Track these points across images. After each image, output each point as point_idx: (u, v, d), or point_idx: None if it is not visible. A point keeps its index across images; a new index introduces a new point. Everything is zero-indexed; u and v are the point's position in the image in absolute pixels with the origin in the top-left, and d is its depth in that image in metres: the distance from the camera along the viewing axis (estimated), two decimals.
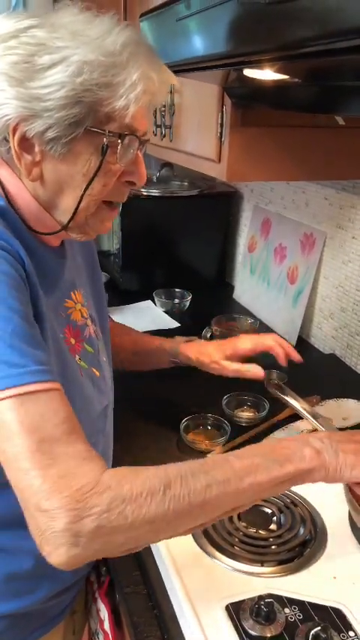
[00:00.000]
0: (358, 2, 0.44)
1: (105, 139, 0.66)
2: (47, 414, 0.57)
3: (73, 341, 0.78)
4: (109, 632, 0.90)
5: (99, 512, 0.53)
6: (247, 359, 1.05)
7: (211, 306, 1.73)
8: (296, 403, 1.00)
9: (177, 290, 1.75)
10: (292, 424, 1.10)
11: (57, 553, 0.54)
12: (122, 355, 1.08)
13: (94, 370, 0.82)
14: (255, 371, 1.02)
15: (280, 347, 1.05)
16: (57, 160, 0.67)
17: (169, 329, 1.60)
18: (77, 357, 0.78)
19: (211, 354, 1.03)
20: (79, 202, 0.70)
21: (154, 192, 1.80)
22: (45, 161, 0.67)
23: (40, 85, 0.63)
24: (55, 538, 0.53)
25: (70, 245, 0.84)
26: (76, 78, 0.62)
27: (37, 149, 0.66)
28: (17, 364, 0.57)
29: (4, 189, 0.69)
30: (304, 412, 0.98)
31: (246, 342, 1.04)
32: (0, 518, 0.73)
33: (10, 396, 0.56)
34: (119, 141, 0.67)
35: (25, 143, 0.66)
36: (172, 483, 0.57)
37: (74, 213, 0.70)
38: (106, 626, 0.91)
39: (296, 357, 1.06)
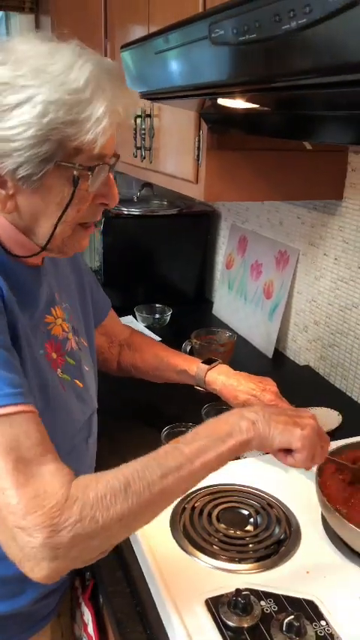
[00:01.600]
0: (313, 46, 0.50)
1: (75, 172, 0.69)
2: (22, 435, 0.61)
3: (54, 355, 0.81)
4: (92, 635, 0.93)
5: (73, 523, 0.58)
6: None
7: (190, 320, 1.79)
8: None
9: (157, 305, 1.80)
10: None
11: (39, 568, 0.58)
12: (143, 369, 1.13)
13: (77, 382, 0.86)
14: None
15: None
16: (30, 193, 0.69)
17: None
18: (59, 370, 0.82)
19: (237, 395, 1.03)
20: (55, 228, 0.72)
21: (135, 212, 1.86)
22: (19, 194, 0.70)
23: (8, 126, 0.64)
24: (35, 553, 0.57)
25: (54, 260, 0.88)
26: (43, 118, 0.64)
27: (10, 184, 0.69)
28: None
29: None
30: None
31: (271, 395, 1.04)
32: None
33: None
34: (89, 172, 0.70)
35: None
36: (130, 481, 0.62)
37: (50, 237, 0.73)
38: (90, 629, 0.94)
39: None
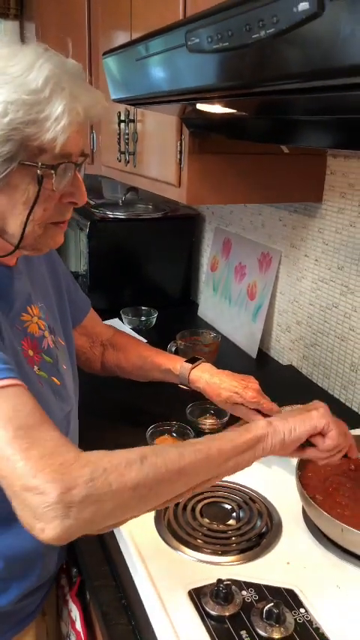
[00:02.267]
0: (281, 55, 0.52)
1: (39, 171, 0.69)
2: (18, 405, 0.62)
3: (31, 352, 0.82)
4: (80, 631, 0.94)
5: (85, 482, 0.57)
6: None
7: (176, 322, 1.81)
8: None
9: (143, 308, 1.82)
10: None
11: (51, 526, 0.56)
12: (127, 368, 1.15)
13: (54, 379, 0.86)
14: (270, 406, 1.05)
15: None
16: None
17: None
18: (36, 367, 0.83)
19: (220, 393, 1.06)
20: (24, 228, 0.73)
21: (120, 215, 1.88)
22: None
23: None
24: (48, 511, 0.56)
25: (29, 260, 0.89)
26: (3, 118, 0.65)
27: None
28: None
29: None
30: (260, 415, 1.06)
31: (254, 396, 1.05)
32: None
33: None
34: (52, 171, 0.70)
35: None
36: (147, 455, 0.63)
37: (21, 237, 0.74)
38: (78, 625, 0.95)
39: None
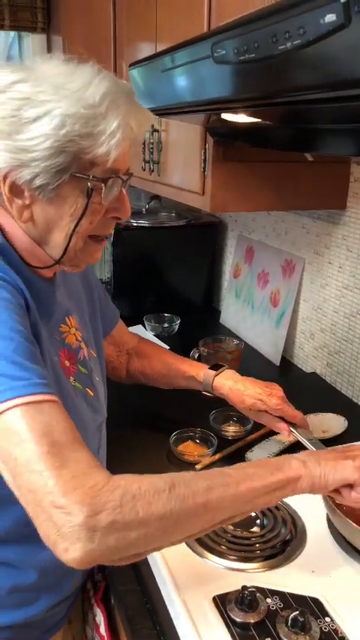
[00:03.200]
0: (314, 64, 0.53)
1: (89, 184, 0.71)
2: (52, 421, 0.61)
3: (67, 363, 0.84)
4: (104, 635, 0.94)
5: (113, 507, 0.57)
6: None
7: (198, 329, 1.81)
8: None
9: (166, 315, 1.83)
10: (274, 437, 1.17)
11: (73, 548, 0.55)
12: (152, 376, 1.16)
13: (89, 390, 0.88)
14: (281, 428, 1.06)
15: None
16: (46, 203, 0.72)
17: None
18: (72, 378, 0.84)
19: (244, 400, 1.06)
20: (69, 240, 0.75)
21: (144, 223, 1.90)
22: (35, 204, 0.73)
23: (27, 138, 0.68)
24: (73, 533, 0.55)
25: (64, 275, 0.90)
26: (60, 130, 0.67)
27: (26, 194, 0.72)
28: (21, 377, 0.62)
29: (1, 228, 0.76)
30: (286, 424, 1.06)
31: (278, 403, 1.05)
32: (6, 533, 0.77)
33: (19, 405, 0.60)
34: (102, 184, 0.72)
35: (16, 189, 0.71)
36: (175, 485, 0.62)
37: (65, 249, 0.76)
38: (102, 629, 0.95)
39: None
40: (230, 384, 1.09)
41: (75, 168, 0.71)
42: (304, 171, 1.29)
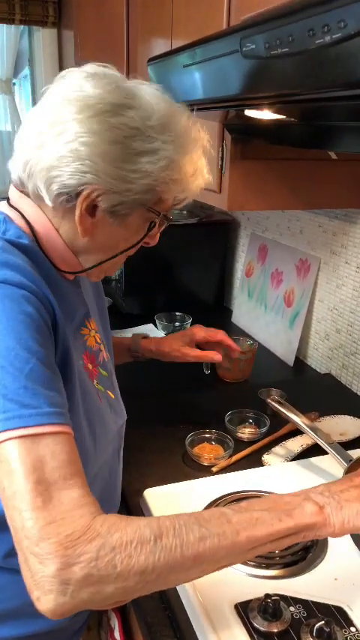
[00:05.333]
0: (345, 60, 0.51)
1: (157, 219, 0.76)
2: (48, 456, 0.58)
3: (90, 366, 0.82)
4: (118, 639, 0.93)
5: (88, 560, 0.53)
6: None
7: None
8: (297, 418, 1.06)
9: (177, 314, 1.82)
10: (290, 439, 1.15)
11: (46, 599, 0.53)
12: None
13: (110, 393, 0.87)
14: (212, 355, 1.13)
15: (229, 339, 1.17)
16: (110, 226, 0.74)
17: None
18: (95, 381, 0.83)
19: (171, 343, 1.15)
20: (109, 259, 0.78)
21: None
22: (101, 225, 0.74)
23: (131, 169, 0.69)
24: (45, 583, 0.53)
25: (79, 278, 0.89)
26: (163, 172, 0.71)
27: (99, 215, 0.72)
28: (29, 405, 0.58)
29: (31, 228, 0.74)
30: (305, 427, 1.04)
31: (200, 332, 1.16)
32: None
33: (18, 437, 0.57)
34: (165, 220, 0.77)
35: (92, 208, 0.72)
36: (163, 534, 0.56)
37: (100, 264, 0.78)
38: (117, 634, 0.94)
39: (237, 348, 1.19)
40: (157, 339, 1.16)
41: (152, 202, 0.74)
42: (323, 170, 1.26)
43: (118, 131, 0.68)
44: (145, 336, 1.19)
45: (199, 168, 0.75)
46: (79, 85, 0.70)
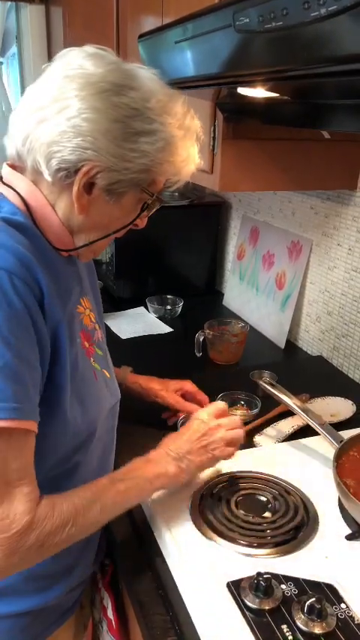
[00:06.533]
0: (341, 34, 0.50)
1: (149, 200, 0.76)
2: (10, 454, 0.65)
3: (87, 344, 0.82)
4: (112, 618, 0.94)
5: (26, 550, 0.67)
6: None
7: (201, 312, 1.80)
8: (288, 399, 1.06)
9: (169, 297, 1.81)
10: (281, 421, 1.16)
11: None
12: None
13: (106, 372, 0.87)
14: (190, 408, 1.10)
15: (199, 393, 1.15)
16: (105, 204, 0.74)
17: (162, 334, 1.66)
18: (92, 359, 0.83)
19: (166, 385, 1.13)
20: (101, 239, 0.78)
21: None
22: (97, 202, 0.74)
23: (130, 148, 0.70)
24: None
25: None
26: (159, 153, 0.72)
27: (95, 193, 0.73)
28: None
29: (26, 205, 0.73)
30: (296, 408, 1.05)
31: (192, 387, 1.15)
32: None
33: None
34: (157, 202, 0.78)
35: (89, 186, 0.72)
36: (79, 515, 0.71)
37: (91, 243, 0.78)
38: (109, 613, 0.95)
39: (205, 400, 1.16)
40: (142, 381, 1.13)
41: (147, 183, 0.75)
42: (315, 151, 1.25)
43: (119, 110, 0.69)
44: (131, 371, 1.17)
45: (191, 154, 0.77)
46: (80, 63, 0.71)
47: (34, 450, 0.68)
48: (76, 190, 0.71)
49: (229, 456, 0.90)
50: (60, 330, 0.71)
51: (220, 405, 0.95)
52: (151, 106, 0.71)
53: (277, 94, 0.86)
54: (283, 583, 0.75)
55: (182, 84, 0.94)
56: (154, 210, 0.80)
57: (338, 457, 0.92)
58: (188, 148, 0.76)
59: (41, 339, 0.68)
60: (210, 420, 0.90)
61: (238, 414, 1.18)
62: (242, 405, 1.21)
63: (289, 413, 1.14)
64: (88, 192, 0.72)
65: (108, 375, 0.87)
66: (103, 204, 0.74)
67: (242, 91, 0.89)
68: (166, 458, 0.84)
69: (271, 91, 0.85)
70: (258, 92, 0.87)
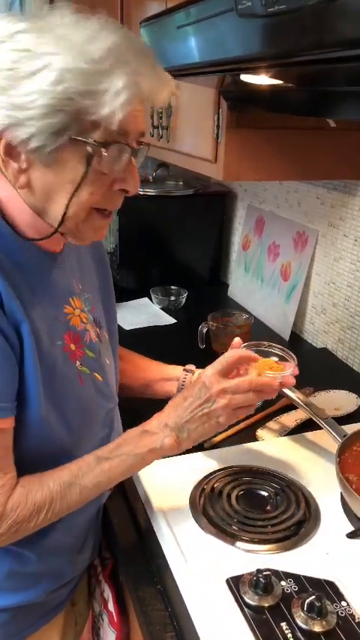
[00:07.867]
0: (347, 18, 0.48)
1: (89, 148, 0.65)
2: None
3: (73, 347, 0.78)
4: (112, 611, 0.94)
5: (1, 534, 0.70)
6: None
7: (206, 303, 1.78)
8: (291, 393, 1.05)
9: (173, 287, 1.80)
10: (284, 414, 1.14)
11: None
12: (136, 390, 1.06)
13: (97, 375, 0.83)
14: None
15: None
16: (44, 168, 0.67)
17: (166, 325, 1.65)
18: (78, 362, 0.79)
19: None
20: (67, 209, 0.69)
21: (150, 192, 1.84)
22: (32, 169, 0.67)
23: (22, 93, 0.62)
24: None
25: (77, 248, 0.85)
26: (57, 86, 0.61)
27: (23, 157, 0.66)
28: None
29: None
30: (299, 401, 1.03)
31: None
32: None
33: None
34: (104, 150, 0.66)
35: (12, 151, 0.66)
36: (54, 500, 0.72)
37: (62, 218, 0.70)
38: (110, 605, 0.95)
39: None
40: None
41: (75, 130, 0.64)
42: (321, 140, 1.23)
43: (4, 58, 0.62)
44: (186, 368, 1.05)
45: (117, 74, 0.63)
46: None
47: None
48: (2, 164, 0.67)
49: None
50: (22, 330, 0.68)
51: (229, 359, 0.83)
52: (45, 40, 0.62)
53: (282, 82, 0.84)
54: (283, 579, 0.74)
55: (185, 71, 0.91)
56: (125, 159, 0.69)
57: (341, 452, 0.90)
58: (112, 72, 0.63)
59: (8, 336, 0.67)
60: (212, 383, 0.79)
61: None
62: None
63: (292, 406, 1.13)
64: (16, 160, 0.66)
65: (100, 379, 0.83)
66: (41, 169, 0.67)
67: (246, 78, 0.87)
68: (163, 430, 0.78)
69: (276, 78, 0.83)
70: (262, 79, 0.84)
